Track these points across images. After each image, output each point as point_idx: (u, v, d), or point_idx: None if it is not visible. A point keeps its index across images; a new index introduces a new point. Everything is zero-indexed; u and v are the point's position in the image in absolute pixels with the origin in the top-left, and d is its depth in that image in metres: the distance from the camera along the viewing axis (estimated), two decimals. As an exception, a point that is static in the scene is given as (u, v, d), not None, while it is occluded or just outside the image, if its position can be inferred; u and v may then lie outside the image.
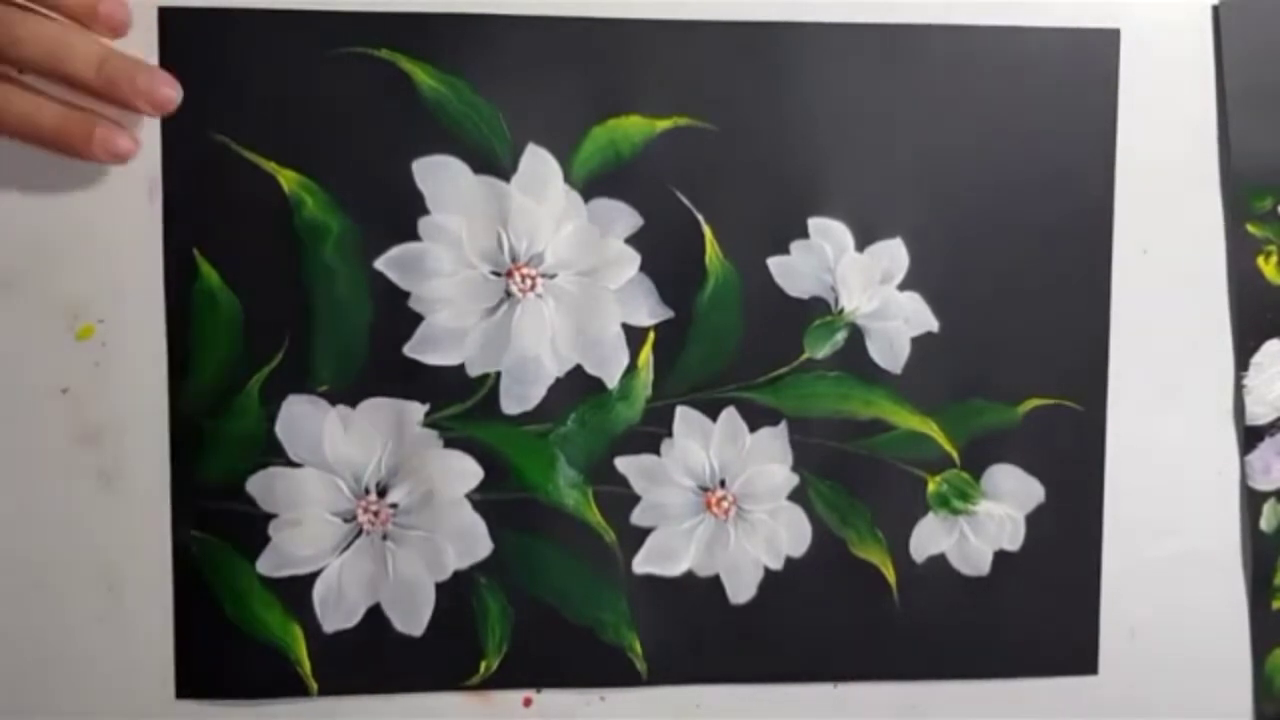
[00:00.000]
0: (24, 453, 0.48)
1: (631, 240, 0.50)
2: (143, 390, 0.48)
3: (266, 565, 0.49)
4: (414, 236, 0.48)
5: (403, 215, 0.48)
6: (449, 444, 0.49)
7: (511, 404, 0.50)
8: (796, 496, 0.51)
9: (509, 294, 0.49)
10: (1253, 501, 0.54)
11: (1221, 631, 0.54)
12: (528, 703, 0.51)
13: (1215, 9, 0.52)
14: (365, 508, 0.49)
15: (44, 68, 0.44)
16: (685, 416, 0.51)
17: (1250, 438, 0.53)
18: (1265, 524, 0.54)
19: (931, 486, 0.52)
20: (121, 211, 0.48)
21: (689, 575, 0.51)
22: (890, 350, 0.51)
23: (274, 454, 0.49)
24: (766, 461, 0.51)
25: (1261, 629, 0.54)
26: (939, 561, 0.52)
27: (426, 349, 0.49)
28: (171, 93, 0.46)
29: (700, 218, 0.50)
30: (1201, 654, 0.54)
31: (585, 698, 0.51)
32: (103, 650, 0.49)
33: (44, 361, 0.48)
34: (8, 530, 0.48)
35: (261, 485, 0.49)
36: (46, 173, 0.47)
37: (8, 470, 0.48)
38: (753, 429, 0.51)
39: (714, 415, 0.51)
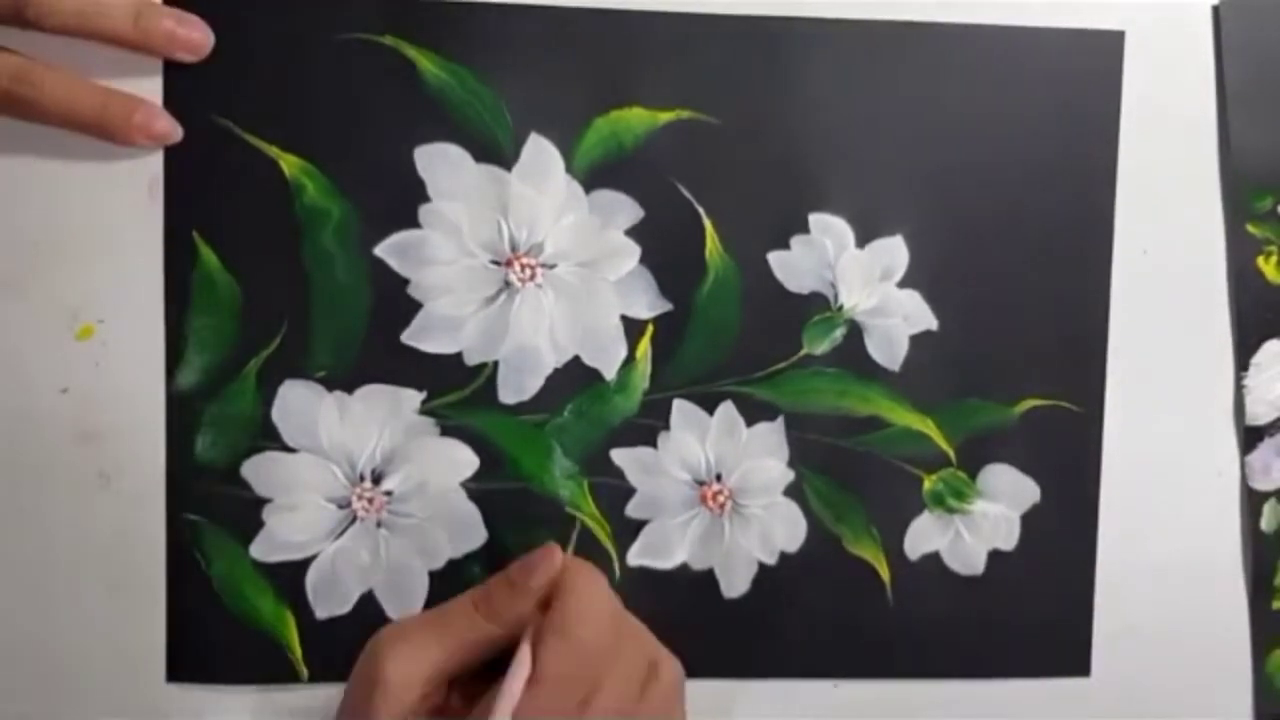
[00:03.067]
0: (24, 453, 0.48)
1: (632, 232, 0.50)
2: (142, 390, 0.48)
3: (260, 550, 0.49)
4: (414, 224, 0.49)
5: (403, 202, 0.48)
6: (445, 432, 0.49)
7: (509, 393, 0.50)
8: (792, 492, 0.51)
9: (508, 283, 0.49)
10: (1253, 501, 0.53)
11: (1221, 632, 0.54)
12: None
13: (1215, 9, 0.52)
14: (360, 494, 0.49)
15: (77, 26, 0.44)
16: (682, 410, 0.51)
17: (1250, 438, 0.53)
18: (1265, 524, 0.53)
19: (927, 484, 0.52)
20: (122, 211, 0.48)
21: (683, 569, 0.51)
22: (889, 348, 0.51)
23: (269, 438, 0.49)
24: (763, 456, 0.51)
25: (1261, 629, 0.54)
26: (933, 560, 0.52)
27: (425, 337, 0.49)
28: (204, 36, 0.46)
29: (701, 211, 0.50)
30: (1201, 654, 0.54)
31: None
32: (95, 634, 0.49)
33: (44, 361, 0.48)
34: (8, 529, 0.48)
35: (256, 469, 0.49)
36: (46, 173, 0.47)
37: (8, 470, 0.48)
38: (750, 424, 0.51)
39: (711, 409, 0.51)
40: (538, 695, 0.42)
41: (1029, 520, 0.52)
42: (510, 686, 0.42)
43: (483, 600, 0.46)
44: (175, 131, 0.47)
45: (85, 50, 0.45)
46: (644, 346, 0.50)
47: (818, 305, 0.51)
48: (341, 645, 0.49)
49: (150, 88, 0.47)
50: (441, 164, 0.48)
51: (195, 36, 0.46)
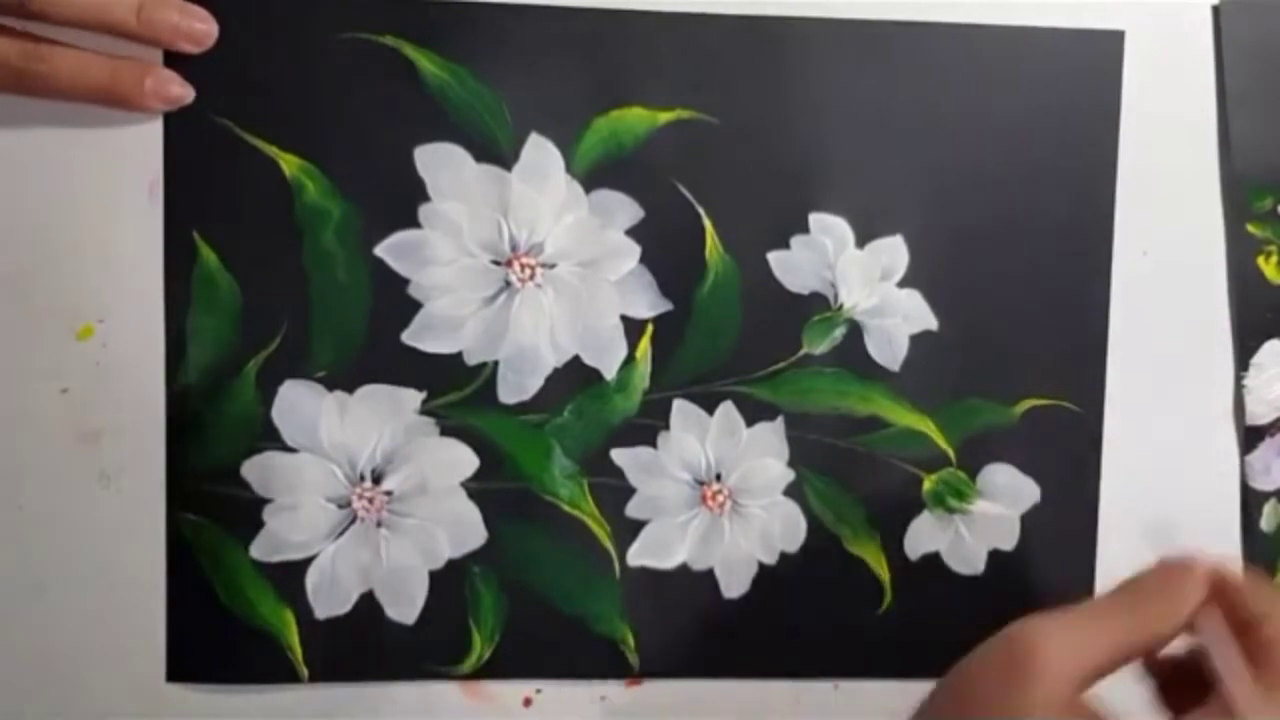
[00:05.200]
0: (24, 453, 0.48)
1: (632, 232, 0.50)
2: (142, 390, 0.48)
3: (260, 550, 0.49)
4: (414, 224, 0.49)
5: (403, 202, 0.48)
6: (445, 432, 0.49)
7: (509, 393, 0.50)
8: (792, 492, 0.51)
9: (508, 283, 0.49)
10: (1253, 501, 0.53)
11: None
12: (528, 702, 0.51)
13: (1215, 9, 0.52)
14: (360, 494, 0.49)
15: (81, 18, 0.44)
16: (682, 409, 0.51)
17: (1250, 438, 0.53)
18: (1265, 524, 0.53)
19: (927, 484, 0.52)
20: (122, 211, 0.48)
21: (683, 569, 0.51)
22: (888, 347, 0.51)
23: (270, 439, 0.49)
24: (762, 456, 0.51)
25: (1261, 629, 0.54)
26: (933, 560, 0.52)
27: (425, 336, 0.49)
28: (207, 26, 0.47)
29: (701, 211, 0.50)
30: (1200, 654, 0.54)
31: (585, 696, 0.51)
32: (95, 634, 0.49)
33: (44, 361, 0.48)
34: (8, 529, 0.48)
35: (257, 470, 0.49)
36: (47, 173, 0.47)
37: (8, 470, 0.48)
38: (749, 423, 0.51)
39: (711, 409, 0.51)
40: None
41: (1029, 520, 0.52)
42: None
43: (1140, 605, 0.41)
44: (188, 93, 0.47)
45: (90, 43, 0.45)
46: (644, 346, 0.50)
47: (817, 305, 0.51)
48: (341, 645, 0.49)
49: (150, 87, 0.47)
50: (441, 164, 0.48)
51: (199, 27, 0.46)
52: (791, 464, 0.51)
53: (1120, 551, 0.53)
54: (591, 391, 0.50)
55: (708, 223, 0.50)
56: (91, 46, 0.45)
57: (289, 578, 0.49)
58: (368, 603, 0.49)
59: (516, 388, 0.50)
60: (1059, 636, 0.40)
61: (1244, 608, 0.39)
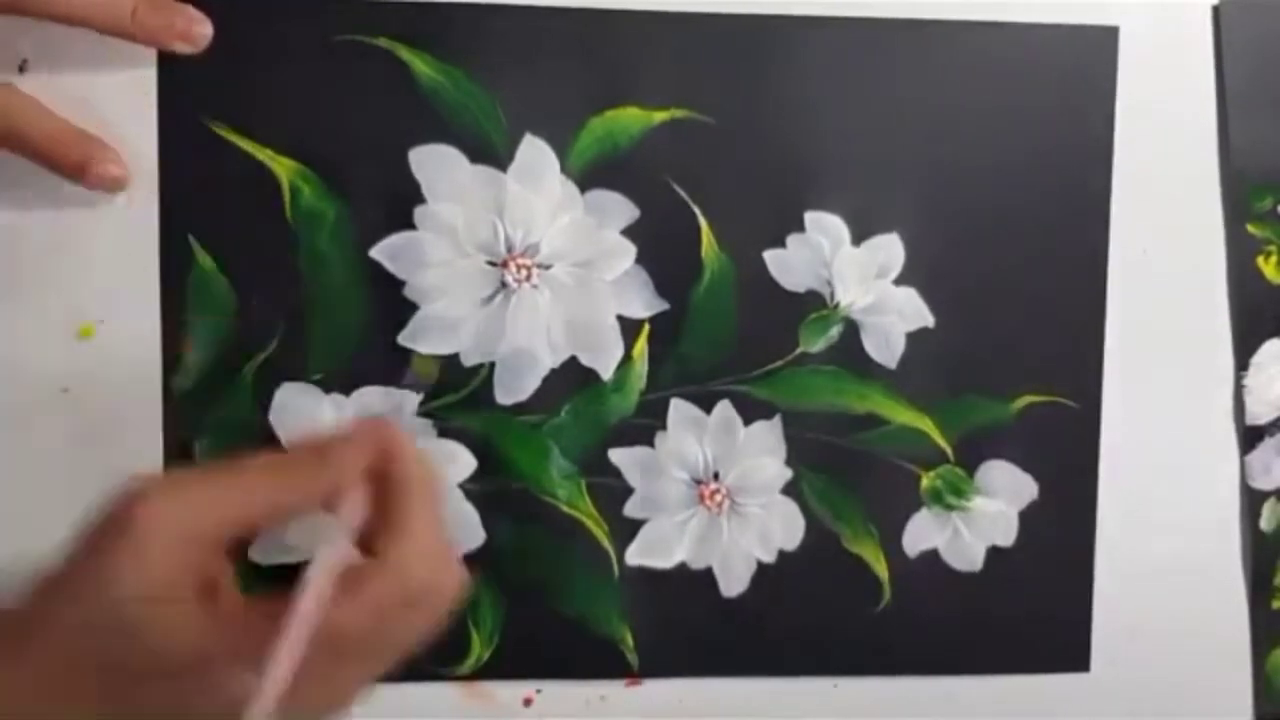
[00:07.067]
0: (24, 453, 0.48)
1: (628, 232, 0.50)
2: (142, 389, 0.48)
3: (259, 553, 0.49)
4: (410, 225, 0.48)
5: (399, 204, 0.48)
6: (443, 434, 0.49)
7: (505, 394, 0.50)
8: (790, 490, 0.51)
9: (504, 284, 0.49)
10: (1253, 501, 0.53)
11: (1221, 631, 0.54)
12: (528, 702, 0.51)
13: (1215, 9, 0.51)
14: (358, 496, 0.49)
15: (68, 14, 0.43)
16: (679, 409, 0.51)
17: (1250, 438, 0.53)
18: (1265, 524, 0.53)
19: (925, 482, 0.52)
20: (121, 212, 0.48)
21: (681, 568, 0.51)
22: (885, 345, 0.51)
23: (267, 441, 0.48)
24: (760, 455, 0.51)
25: (1261, 629, 0.54)
26: (932, 556, 0.52)
27: (421, 338, 0.49)
28: (202, 28, 0.46)
29: (697, 210, 0.50)
30: (1201, 653, 0.54)
31: (585, 696, 0.51)
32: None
33: (44, 361, 0.48)
34: (7, 529, 0.48)
35: (254, 472, 0.49)
36: (45, 175, 0.47)
37: (8, 470, 0.48)
38: (747, 422, 0.51)
39: (708, 408, 0.51)
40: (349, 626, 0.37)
41: (1027, 517, 0.52)
42: (303, 607, 0.37)
43: (282, 469, 0.39)
44: (127, 176, 0.47)
45: (82, 50, 0.45)
46: (641, 346, 0.50)
47: (814, 303, 0.51)
48: (341, 647, 0.49)
49: (145, 88, 0.47)
50: (436, 165, 0.48)
51: (194, 28, 0.46)
52: (789, 462, 0.51)
53: (1119, 548, 0.53)
54: (589, 392, 0.50)
55: (703, 222, 0.50)
56: (86, 46, 0.45)
57: (288, 580, 0.49)
58: (367, 604, 0.50)
59: (513, 389, 0.50)
60: (168, 493, 0.36)
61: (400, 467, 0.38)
